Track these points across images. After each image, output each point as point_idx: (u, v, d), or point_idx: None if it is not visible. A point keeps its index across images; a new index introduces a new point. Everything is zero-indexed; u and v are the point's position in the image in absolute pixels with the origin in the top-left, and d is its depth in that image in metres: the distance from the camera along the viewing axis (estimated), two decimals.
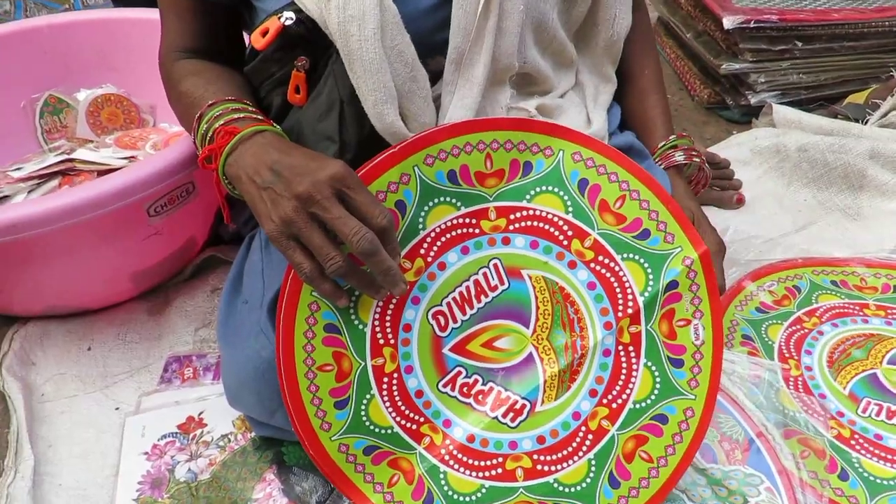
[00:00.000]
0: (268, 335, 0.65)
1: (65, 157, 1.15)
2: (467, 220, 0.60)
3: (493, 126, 0.60)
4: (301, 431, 0.58)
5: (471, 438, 0.60)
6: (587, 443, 0.61)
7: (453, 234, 0.60)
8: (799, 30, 1.27)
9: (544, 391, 0.61)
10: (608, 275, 0.61)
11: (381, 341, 0.59)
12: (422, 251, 0.59)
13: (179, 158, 0.79)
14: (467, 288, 0.61)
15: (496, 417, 0.61)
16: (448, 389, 0.61)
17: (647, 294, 0.62)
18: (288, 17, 0.62)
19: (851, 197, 1.09)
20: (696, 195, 0.83)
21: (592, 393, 0.62)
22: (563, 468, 0.61)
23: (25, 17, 1.76)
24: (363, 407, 0.59)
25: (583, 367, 0.62)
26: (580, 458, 0.61)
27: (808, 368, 0.82)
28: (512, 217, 0.61)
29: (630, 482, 0.61)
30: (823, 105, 1.31)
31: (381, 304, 0.59)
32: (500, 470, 0.60)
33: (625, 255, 0.62)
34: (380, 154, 0.58)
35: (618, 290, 0.62)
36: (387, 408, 0.60)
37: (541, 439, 0.61)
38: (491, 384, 0.61)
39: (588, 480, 0.61)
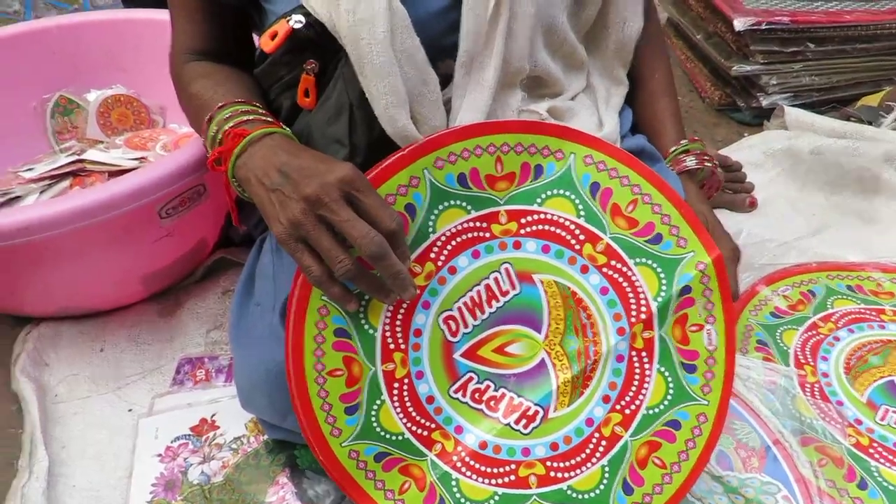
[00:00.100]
0: (280, 339, 0.64)
1: (75, 157, 1.16)
2: (478, 224, 0.60)
3: (503, 129, 0.60)
4: (311, 437, 0.58)
5: (483, 445, 0.60)
6: (600, 449, 0.61)
7: (464, 237, 0.60)
8: (811, 31, 1.26)
9: (557, 397, 0.61)
10: (621, 279, 0.61)
11: (392, 346, 0.59)
12: (432, 255, 0.59)
13: (191, 160, 0.80)
14: (478, 292, 0.60)
15: (509, 424, 0.60)
16: (459, 395, 0.60)
17: (660, 299, 0.61)
18: (297, 20, 0.62)
19: (866, 200, 1.08)
20: (709, 199, 0.83)
21: (605, 399, 0.61)
22: (576, 475, 0.60)
23: (35, 17, 1.77)
24: (374, 413, 0.59)
25: (596, 373, 0.61)
26: (593, 464, 0.61)
27: (825, 375, 0.81)
28: (523, 221, 0.61)
29: (643, 488, 0.61)
30: (836, 107, 1.30)
31: (391, 308, 0.58)
32: (512, 477, 0.60)
33: (637, 260, 0.61)
34: (389, 157, 0.57)
35: (630, 294, 0.61)
36: (397, 414, 0.59)
37: (554, 446, 0.61)
38: (503, 390, 0.61)
39: (601, 487, 0.60)
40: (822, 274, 0.96)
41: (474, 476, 0.60)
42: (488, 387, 0.61)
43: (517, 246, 0.61)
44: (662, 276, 0.61)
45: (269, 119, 0.62)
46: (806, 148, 1.11)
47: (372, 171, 0.56)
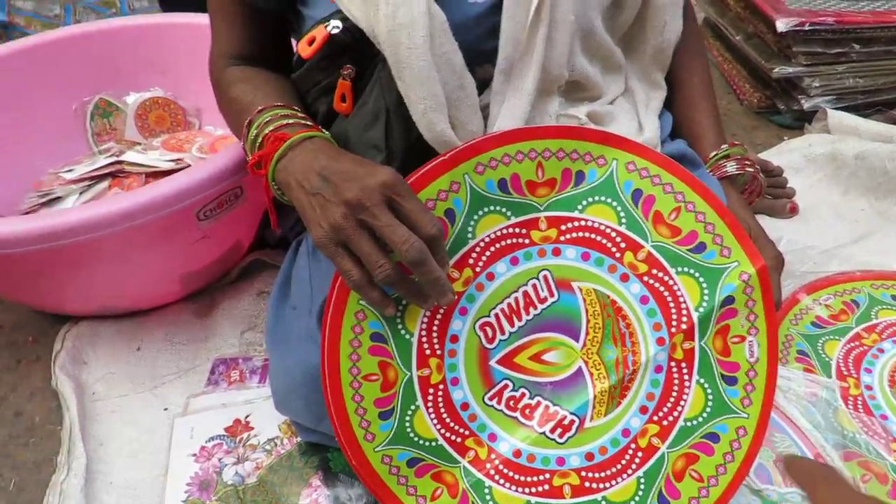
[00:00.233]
0: (316, 342, 0.65)
1: (114, 159, 1.18)
2: (517, 230, 0.59)
3: (545, 134, 0.59)
4: (344, 441, 0.58)
5: (517, 453, 0.59)
6: (636, 460, 0.60)
7: (503, 244, 0.59)
8: (857, 32, 1.22)
9: (594, 407, 0.60)
10: (662, 289, 0.60)
11: (428, 352, 0.59)
12: (470, 261, 0.59)
13: (230, 164, 0.80)
14: (516, 299, 0.60)
15: (544, 432, 0.60)
16: (494, 402, 0.60)
17: (701, 309, 0.60)
18: (335, 25, 0.62)
19: None
20: (750, 205, 0.81)
21: (643, 410, 0.60)
22: (611, 486, 0.59)
23: (75, 21, 1.81)
24: (408, 418, 0.59)
25: (634, 383, 0.60)
26: (629, 475, 0.60)
27: (869, 388, 0.79)
28: (563, 228, 0.60)
29: (679, 501, 0.60)
30: (881, 110, 1.26)
31: (428, 313, 0.58)
32: (546, 486, 0.59)
33: (679, 269, 0.60)
34: (429, 162, 0.57)
35: (671, 304, 0.60)
36: (432, 420, 0.59)
37: (589, 456, 0.60)
38: (539, 398, 0.60)
39: (637, 499, 0.59)
40: (866, 283, 0.93)
41: (507, 484, 0.59)
42: (524, 394, 0.60)
43: (557, 253, 0.60)
44: (705, 286, 0.60)
45: (308, 123, 0.62)
46: (850, 152, 1.08)
47: (412, 176, 0.56)
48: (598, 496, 0.59)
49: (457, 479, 0.59)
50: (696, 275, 0.60)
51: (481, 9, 0.62)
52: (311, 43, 0.64)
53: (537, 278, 0.60)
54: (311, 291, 0.70)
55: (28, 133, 1.16)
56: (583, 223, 0.60)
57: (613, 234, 0.60)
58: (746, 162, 0.79)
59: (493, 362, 0.60)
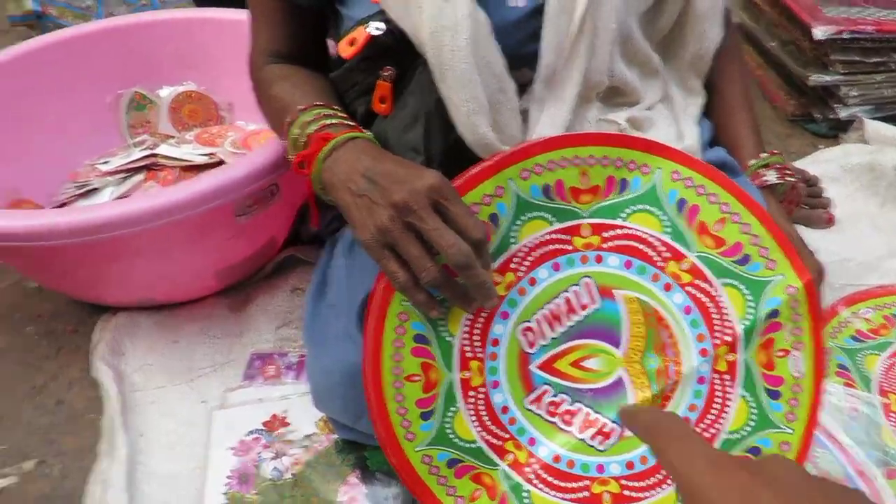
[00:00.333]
0: (354, 341, 0.65)
1: (149, 152, 1.19)
2: (560, 236, 0.59)
3: (590, 141, 0.59)
4: (385, 440, 0.59)
5: (556, 459, 0.59)
6: None
7: (545, 249, 0.59)
8: None
9: None
10: (705, 299, 0.60)
11: (469, 355, 0.59)
12: (513, 265, 0.59)
13: (268, 161, 0.81)
14: (557, 305, 0.60)
15: (583, 439, 0.60)
16: (534, 407, 0.60)
17: (745, 322, 0.60)
18: (376, 27, 0.62)
19: None
20: (789, 215, 0.80)
21: (685, 421, 0.60)
22: (651, 496, 0.59)
23: (106, 12, 1.84)
24: (448, 419, 0.59)
25: (675, 394, 0.60)
26: (669, 485, 0.59)
27: None
28: (606, 235, 0.60)
29: None
30: None
31: (470, 317, 0.58)
32: (586, 493, 0.59)
33: (723, 280, 0.60)
34: (474, 166, 0.57)
35: (715, 315, 0.60)
36: (472, 422, 0.59)
37: (630, 465, 0.60)
38: (579, 405, 0.60)
39: None
40: None
41: (547, 489, 0.59)
42: (564, 400, 0.60)
43: (599, 260, 0.60)
44: (749, 298, 0.60)
45: (351, 123, 0.62)
46: (889, 163, 1.07)
47: (457, 180, 0.56)
48: None
49: (495, 482, 0.60)
50: (741, 287, 0.60)
51: (521, 13, 0.62)
52: (351, 44, 0.64)
53: (579, 285, 0.60)
54: (348, 290, 0.71)
55: (65, 125, 1.18)
56: (626, 231, 0.60)
57: (657, 244, 0.60)
58: (786, 171, 0.79)
59: (533, 367, 0.60)
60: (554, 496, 0.59)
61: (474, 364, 0.59)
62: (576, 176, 0.59)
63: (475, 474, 0.60)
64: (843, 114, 1.24)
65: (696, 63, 0.75)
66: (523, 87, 0.64)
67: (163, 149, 1.20)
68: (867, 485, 0.68)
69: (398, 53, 0.63)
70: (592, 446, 0.60)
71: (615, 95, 0.71)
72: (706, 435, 0.60)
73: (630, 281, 0.60)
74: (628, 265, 0.60)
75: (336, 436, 0.74)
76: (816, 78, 1.24)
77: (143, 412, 0.80)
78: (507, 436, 0.60)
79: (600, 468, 0.60)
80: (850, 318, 0.89)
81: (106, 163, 1.18)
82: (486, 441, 0.60)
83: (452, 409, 0.59)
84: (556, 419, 0.60)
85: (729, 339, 0.60)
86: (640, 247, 0.60)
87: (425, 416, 0.59)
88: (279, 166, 0.82)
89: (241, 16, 1.24)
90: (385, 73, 0.64)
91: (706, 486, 0.25)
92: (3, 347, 0.92)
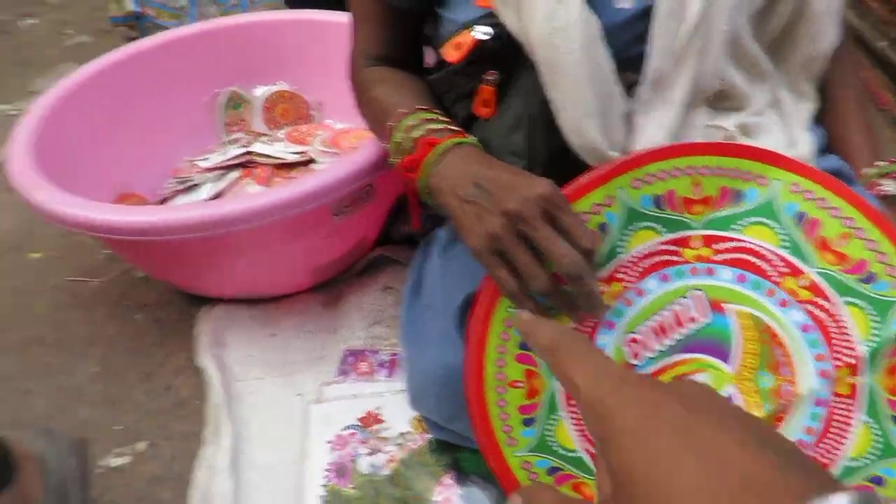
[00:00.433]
0: (451, 341, 0.66)
1: (244, 149, 1.24)
2: (669, 247, 0.58)
3: (704, 151, 0.58)
4: (486, 444, 0.59)
5: None
6: None
7: (654, 260, 0.58)
8: None
9: None
10: (825, 318, 0.57)
11: None
12: (620, 275, 0.58)
13: (366, 163, 0.83)
14: (664, 317, 0.59)
15: None
16: None
17: (870, 344, 0.57)
18: (483, 31, 0.62)
19: None
20: None
21: (800, 444, 0.58)
22: None
23: (198, 12, 1.92)
24: (549, 427, 0.59)
25: (789, 415, 0.58)
26: None
27: None
28: (718, 247, 0.58)
29: None
30: None
31: (576, 326, 0.58)
32: None
33: (846, 299, 0.57)
34: (584, 175, 0.57)
35: (835, 336, 0.57)
36: (574, 431, 0.59)
37: None
38: None
39: None
40: None
41: None
42: None
43: (710, 273, 0.59)
44: (875, 318, 0.57)
45: (455, 128, 0.63)
46: None
47: (568, 188, 0.56)
48: None
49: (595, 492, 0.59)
50: (865, 306, 0.57)
51: (628, 14, 0.61)
52: (457, 48, 0.64)
53: (688, 297, 0.59)
54: (444, 291, 0.71)
55: (167, 123, 1.25)
56: (740, 244, 0.58)
57: (773, 258, 0.58)
58: None
59: None
60: None
61: None
62: (688, 186, 0.58)
63: (575, 483, 0.60)
64: None
65: (808, 65, 0.72)
66: (626, 91, 0.63)
67: (257, 147, 1.24)
68: None
69: (502, 57, 0.63)
70: None
71: (722, 99, 0.69)
72: (824, 460, 0.57)
73: (742, 295, 0.58)
74: (741, 279, 0.58)
75: (430, 435, 0.75)
76: None
77: (244, 402, 0.83)
78: None
79: None
80: None
81: (205, 160, 1.24)
82: (587, 451, 0.59)
83: (554, 417, 0.59)
84: None
85: (851, 361, 0.57)
86: (755, 260, 0.58)
87: (527, 423, 0.59)
88: (378, 167, 0.84)
89: (332, 17, 1.27)
90: (489, 78, 0.64)
91: (611, 404, 0.23)
92: (113, 334, 0.98)
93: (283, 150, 1.25)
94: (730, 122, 0.68)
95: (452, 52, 0.66)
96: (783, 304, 0.58)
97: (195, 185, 1.17)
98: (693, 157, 0.58)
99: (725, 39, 0.62)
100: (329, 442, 0.76)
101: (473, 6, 0.64)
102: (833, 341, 0.57)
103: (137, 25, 1.92)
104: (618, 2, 0.61)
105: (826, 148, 0.78)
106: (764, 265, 0.58)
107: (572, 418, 0.59)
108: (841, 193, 0.58)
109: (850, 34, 1.45)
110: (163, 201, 1.16)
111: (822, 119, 0.78)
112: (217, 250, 0.86)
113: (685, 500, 0.19)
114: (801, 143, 0.71)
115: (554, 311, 0.57)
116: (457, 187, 0.56)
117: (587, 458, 0.59)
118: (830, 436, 0.58)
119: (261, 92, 1.34)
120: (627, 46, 0.61)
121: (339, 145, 1.22)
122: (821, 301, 0.58)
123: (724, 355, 0.59)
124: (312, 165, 1.20)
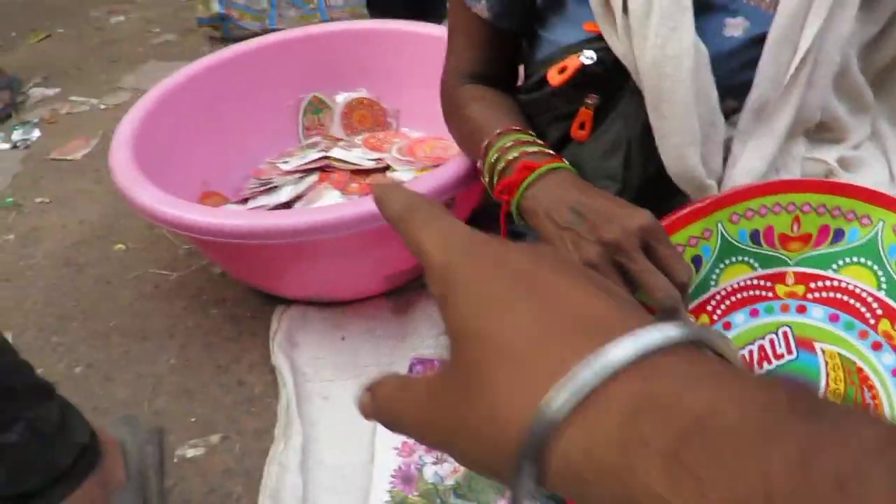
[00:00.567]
0: None
1: (323, 154, 1.28)
2: (762, 283, 0.57)
3: (808, 188, 0.56)
4: None
5: None
6: None
7: (744, 294, 0.57)
8: None
9: None
10: None
11: None
12: (709, 307, 0.57)
13: (454, 177, 0.84)
14: (750, 352, 0.58)
15: None
16: None
17: None
18: (588, 56, 0.62)
19: None
20: None
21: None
22: None
23: (278, 15, 1.99)
24: None
25: None
26: None
27: None
28: (812, 285, 0.57)
29: None
30: None
31: None
32: None
33: None
34: (684, 207, 0.56)
35: None
36: None
37: None
38: None
39: None
40: None
41: None
42: None
43: (801, 310, 0.57)
44: None
45: (550, 152, 0.63)
46: None
47: (666, 220, 0.56)
48: None
49: None
50: None
51: (738, 43, 0.60)
52: (561, 71, 0.65)
53: (776, 334, 0.57)
54: None
55: (252, 126, 1.29)
56: (835, 283, 0.57)
57: (870, 300, 0.56)
58: None
59: None
60: None
61: None
62: (787, 223, 0.56)
63: None
64: None
65: None
66: (725, 118, 0.62)
67: (335, 152, 1.28)
68: None
69: (604, 81, 0.63)
70: None
71: (822, 131, 0.67)
72: None
73: (833, 335, 0.57)
74: (834, 318, 0.57)
75: None
76: None
77: (314, 403, 0.85)
78: None
79: None
80: None
81: (285, 162, 1.28)
82: None
83: None
84: None
85: None
86: (850, 301, 0.56)
87: None
88: (463, 182, 0.85)
89: (417, 28, 1.30)
90: (589, 101, 0.64)
91: (456, 263, 0.21)
92: (191, 327, 1.02)
93: (360, 156, 1.28)
94: (830, 156, 0.66)
95: (556, 76, 0.66)
96: (875, 346, 0.56)
97: (275, 186, 1.21)
98: (797, 194, 0.56)
99: (834, 70, 0.61)
100: (395, 448, 0.78)
101: (576, 29, 0.64)
102: None
103: (221, 26, 2.00)
104: (728, 30, 0.61)
105: None
106: (860, 306, 0.56)
107: None
108: None
109: None
110: (243, 201, 1.20)
111: None
112: (299, 255, 0.88)
113: (515, 345, 0.18)
114: None
115: None
116: (552, 212, 0.57)
117: None
118: None
119: (342, 98, 1.37)
120: (732, 74, 0.61)
121: (415, 154, 1.24)
122: None
123: None
124: (388, 173, 1.23)
